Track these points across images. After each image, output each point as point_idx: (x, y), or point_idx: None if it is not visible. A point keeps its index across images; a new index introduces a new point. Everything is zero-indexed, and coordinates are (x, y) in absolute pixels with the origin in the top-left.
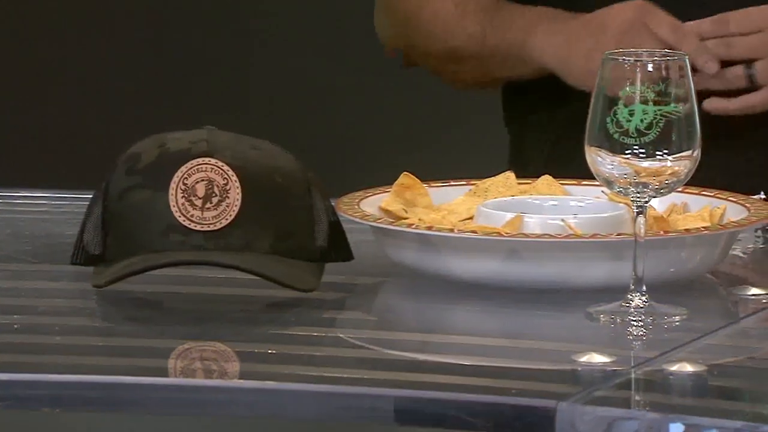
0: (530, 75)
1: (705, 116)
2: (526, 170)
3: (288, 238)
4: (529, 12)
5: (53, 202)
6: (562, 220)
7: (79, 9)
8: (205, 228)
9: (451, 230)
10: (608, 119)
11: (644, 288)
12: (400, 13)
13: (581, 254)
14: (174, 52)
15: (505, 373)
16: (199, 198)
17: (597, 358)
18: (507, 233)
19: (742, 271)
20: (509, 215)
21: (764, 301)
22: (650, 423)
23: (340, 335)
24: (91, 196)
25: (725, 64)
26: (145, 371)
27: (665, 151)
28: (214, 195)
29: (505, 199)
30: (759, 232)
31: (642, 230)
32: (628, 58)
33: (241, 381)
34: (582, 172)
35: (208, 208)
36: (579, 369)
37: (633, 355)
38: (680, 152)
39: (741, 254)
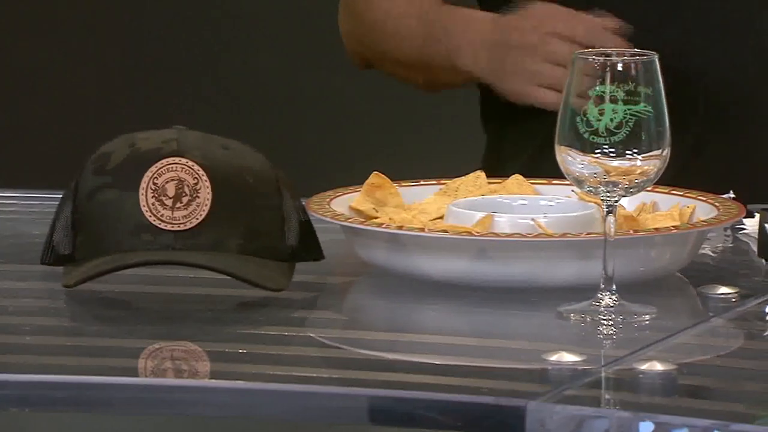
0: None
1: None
2: (503, 172)
3: (258, 237)
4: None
5: (22, 202)
6: (533, 219)
7: (48, 10)
8: (175, 228)
9: (422, 230)
10: (578, 119)
11: (614, 287)
12: (367, 24)
13: (551, 253)
14: (144, 52)
15: (475, 372)
16: (170, 198)
17: (567, 357)
18: (477, 232)
19: (712, 270)
20: (479, 214)
21: (733, 300)
22: (620, 421)
23: (311, 335)
24: (60, 196)
25: None
26: (114, 371)
27: (635, 151)
28: (184, 195)
29: (475, 198)
30: (728, 231)
31: (612, 229)
32: (597, 58)
33: (212, 381)
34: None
35: (179, 208)
36: (549, 368)
37: (603, 354)
38: (650, 151)
39: (710, 253)
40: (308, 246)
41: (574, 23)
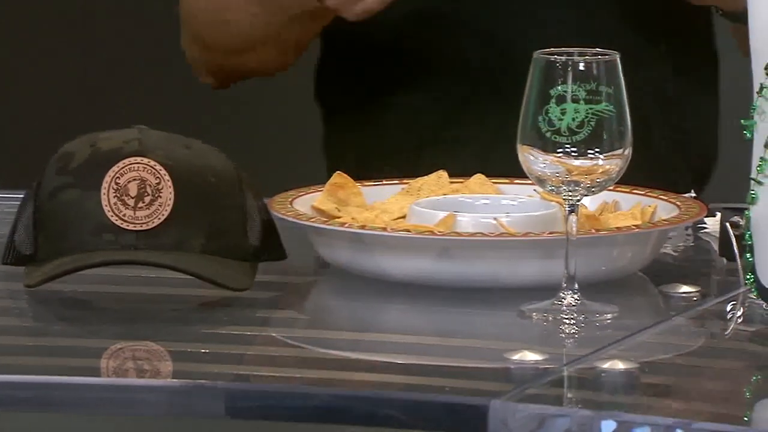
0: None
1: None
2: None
3: (220, 237)
4: None
5: None
6: (495, 218)
7: (8, 9)
8: (138, 227)
9: (384, 229)
10: (540, 118)
11: (576, 286)
12: (190, 22)
13: (513, 252)
14: (105, 51)
15: (437, 371)
16: (132, 197)
17: (529, 356)
18: (439, 232)
19: (673, 269)
20: (442, 214)
21: (694, 298)
22: (582, 420)
23: (273, 334)
24: (22, 195)
25: None
26: (76, 371)
27: (597, 150)
28: (146, 194)
29: (437, 197)
30: (689, 231)
31: (574, 228)
32: (559, 57)
33: (174, 380)
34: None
35: (141, 208)
36: (511, 367)
37: (565, 353)
38: (612, 151)
39: (672, 252)
40: (271, 246)
41: None
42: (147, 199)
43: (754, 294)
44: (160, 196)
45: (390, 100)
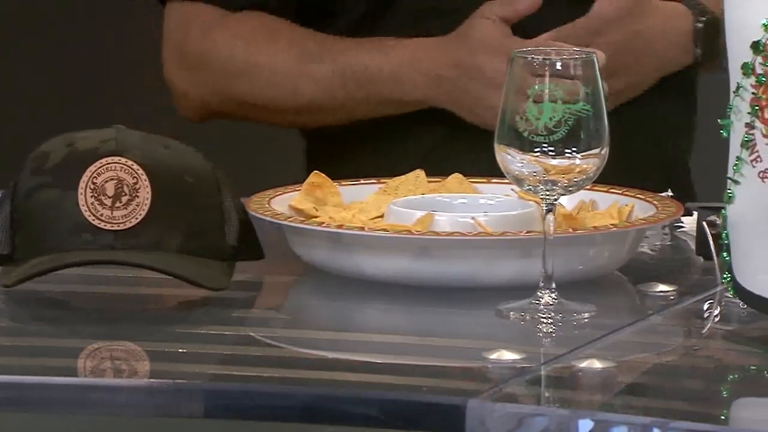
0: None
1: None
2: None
3: (198, 237)
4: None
5: None
6: (473, 218)
7: None
8: (115, 227)
9: (362, 228)
10: (517, 117)
11: (554, 285)
12: (217, 71)
13: (491, 252)
14: (83, 50)
15: (415, 370)
16: (109, 197)
17: (507, 355)
18: (417, 231)
19: (650, 268)
20: (419, 213)
21: (671, 297)
22: (559, 419)
23: (251, 334)
24: None
25: None
26: (54, 371)
27: (574, 149)
28: (123, 194)
29: (415, 197)
30: (666, 230)
31: (551, 228)
32: (537, 57)
33: (152, 380)
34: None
35: (118, 207)
36: (489, 366)
37: (542, 352)
38: (589, 150)
39: (649, 251)
40: (248, 245)
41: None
42: (124, 199)
43: (731, 293)
44: (138, 196)
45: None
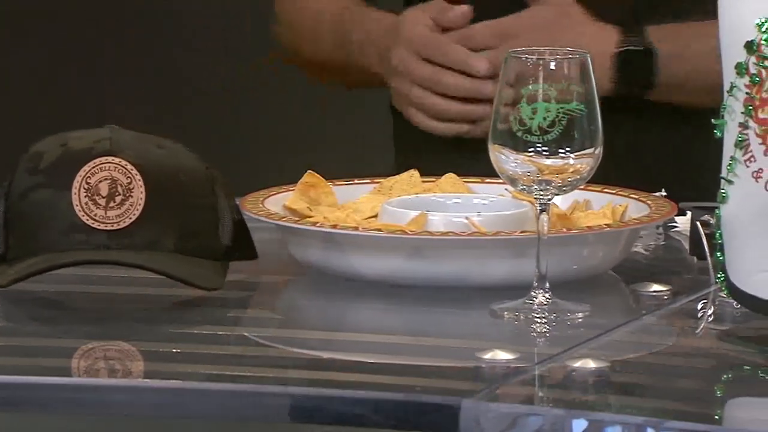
0: None
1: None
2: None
3: (192, 236)
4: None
5: None
6: (466, 217)
7: None
8: (109, 227)
9: (356, 228)
10: (511, 117)
11: (547, 285)
12: (286, 25)
13: (485, 252)
14: (78, 50)
15: (409, 370)
16: (103, 197)
17: (501, 355)
18: (411, 231)
19: (644, 268)
20: (413, 213)
21: (665, 297)
22: (554, 419)
23: (245, 334)
24: None
25: None
26: (48, 371)
27: (568, 149)
28: (117, 194)
29: (409, 197)
30: (660, 230)
31: (545, 228)
32: (530, 57)
33: (146, 380)
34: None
35: (112, 207)
36: (483, 366)
37: (536, 352)
38: (582, 150)
39: (643, 251)
40: (242, 245)
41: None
42: (118, 199)
43: (725, 293)
44: (131, 196)
45: None
